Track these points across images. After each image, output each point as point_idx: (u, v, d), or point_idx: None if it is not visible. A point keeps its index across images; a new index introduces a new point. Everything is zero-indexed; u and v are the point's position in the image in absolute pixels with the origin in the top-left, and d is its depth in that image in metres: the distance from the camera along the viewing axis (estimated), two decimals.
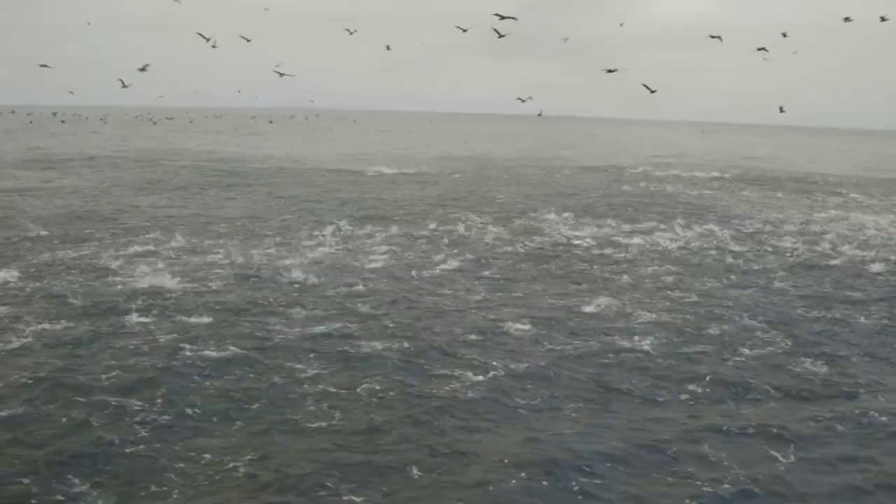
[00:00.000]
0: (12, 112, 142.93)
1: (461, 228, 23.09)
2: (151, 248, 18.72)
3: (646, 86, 25.44)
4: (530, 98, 35.90)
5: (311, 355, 11.14)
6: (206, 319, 12.68)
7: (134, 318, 12.65)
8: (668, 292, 15.74)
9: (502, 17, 24.68)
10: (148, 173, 38.17)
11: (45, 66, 37.50)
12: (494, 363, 11.04)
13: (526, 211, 27.22)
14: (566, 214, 26.32)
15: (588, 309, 14.21)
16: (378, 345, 11.63)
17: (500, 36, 24.40)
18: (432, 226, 23.32)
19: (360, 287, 15.31)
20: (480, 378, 10.47)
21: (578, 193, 33.61)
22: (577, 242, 21.36)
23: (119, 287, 14.71)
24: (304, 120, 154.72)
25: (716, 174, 45.96)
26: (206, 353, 11.06)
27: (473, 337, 12.32)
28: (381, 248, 19.58)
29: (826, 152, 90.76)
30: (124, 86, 41.14)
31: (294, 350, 11.39)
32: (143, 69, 35.96)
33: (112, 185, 32.33)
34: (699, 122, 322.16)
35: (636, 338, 12.47)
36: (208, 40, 28.26)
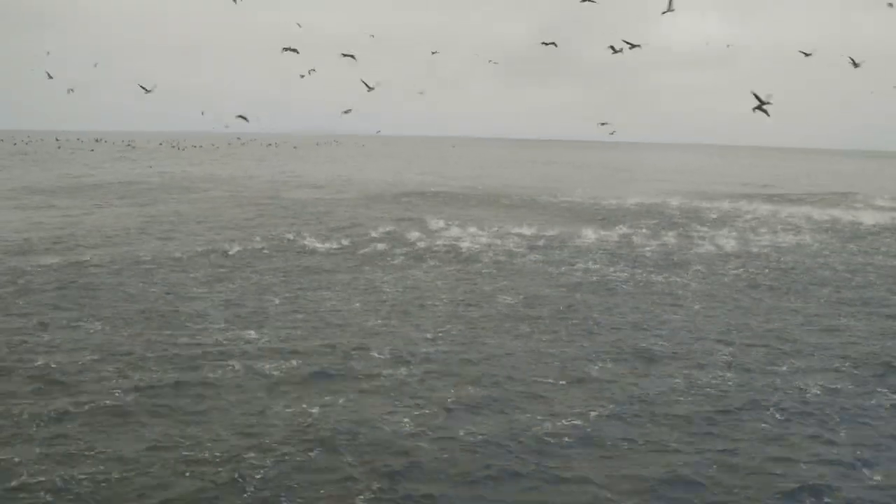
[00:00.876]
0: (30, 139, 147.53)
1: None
2: None
3: None
4: (607, 123, 39.20)
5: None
6: None
7: None
8: None
9: (546, 44, 26.83)
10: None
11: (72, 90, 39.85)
12: None
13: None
14: None
15: None
16: None
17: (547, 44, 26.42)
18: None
19: None
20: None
21: None
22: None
23: None
24: (333, 144, 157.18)
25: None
26: None
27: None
28: None
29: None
30: (147, 91, 44.02)
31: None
32: (149, 90, 38.94)
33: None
34: (711, 144, 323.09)
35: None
36: (303, 76, 29.41)
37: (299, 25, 31.59)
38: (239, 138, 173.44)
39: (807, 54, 26.15)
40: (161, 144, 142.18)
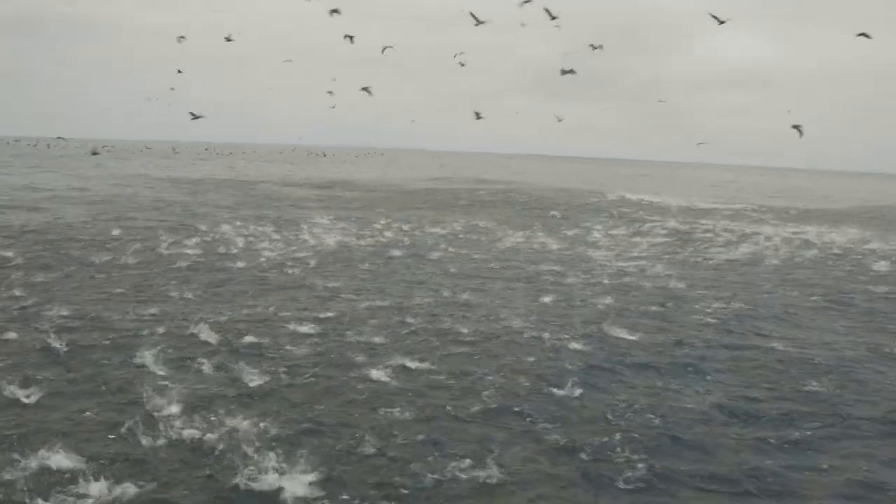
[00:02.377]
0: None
1: None
2: None
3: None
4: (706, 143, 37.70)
5: None
6: None
7: None
8: None
9: (564, 73, 25.37)
10: None
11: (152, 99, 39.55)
12: None
13: None
14: None
15: None
16: None
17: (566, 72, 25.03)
18: None
19: None
20: None
21: None
22: None
23: None
24: (380, 156, 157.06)
25: None
26: None
27: None
28: None
29: None
30: (195, 117, 43.59)
31: None
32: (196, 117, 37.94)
33: None
34: (749, 165, 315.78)
35: None
36: (367, 91, 28.63)
37: (351, 39, 29.93)
38: (296, 150, 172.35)
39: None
40: (205, 149, 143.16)
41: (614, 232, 31.10)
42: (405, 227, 28.87)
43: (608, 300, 15.88)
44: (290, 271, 18.22)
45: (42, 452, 7.29)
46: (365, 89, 24.77)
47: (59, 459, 7.23)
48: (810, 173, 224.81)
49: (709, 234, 31.53)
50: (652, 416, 9.19)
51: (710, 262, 23.19)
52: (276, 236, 24.60)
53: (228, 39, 30.05)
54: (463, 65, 31.27)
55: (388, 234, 26.76)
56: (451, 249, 23.37)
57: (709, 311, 15.32)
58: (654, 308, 15.43)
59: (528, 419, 8.98)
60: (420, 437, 8.27)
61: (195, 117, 28.35)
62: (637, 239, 28.93)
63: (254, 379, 9.81)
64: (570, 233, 29.96)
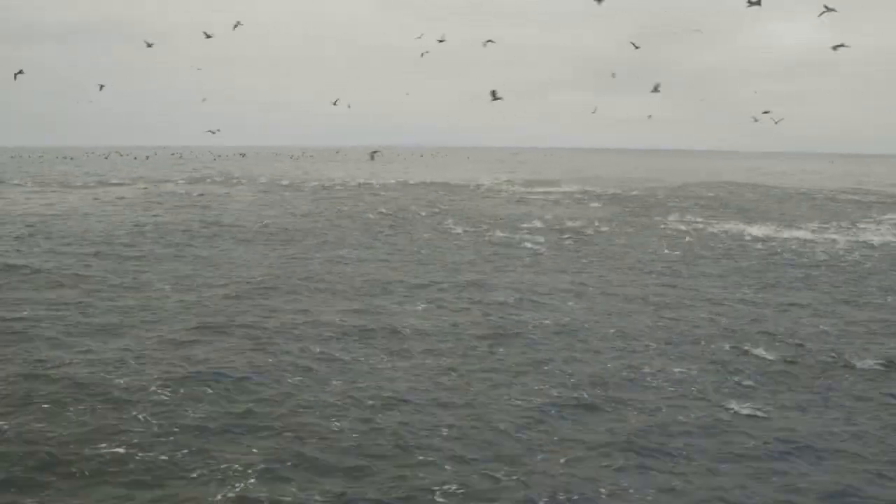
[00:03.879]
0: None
1: None
2: None
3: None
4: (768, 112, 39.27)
5: None
6: None
7: None
8: None
9: (656, 90, 26.74)
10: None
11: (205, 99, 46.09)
12: None
13: None
14: None
15: None
16: None
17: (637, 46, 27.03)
18: None
19: None
20: None
21: None
22: None
23: None
24: (430, 156, 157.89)
25: None
26: None
27: None
28: None
29: None
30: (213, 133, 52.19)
31: None
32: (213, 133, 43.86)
33: None
34: (812, 153, 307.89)
35: None
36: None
37: (428, 39, 31.97)
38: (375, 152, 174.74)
39: None
40: (276, 154, 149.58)
41: None
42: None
43: None
44: None
45: None
46: (493, 93, 23.52)
47: None
48: (879, 159, 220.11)
49: None
50: None
51: None
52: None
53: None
54: (491, 41, 30.05)
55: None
56: None
57: None
58: None
59: None
60: None
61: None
62: None
63: None
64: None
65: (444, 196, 47.72)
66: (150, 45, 30.03)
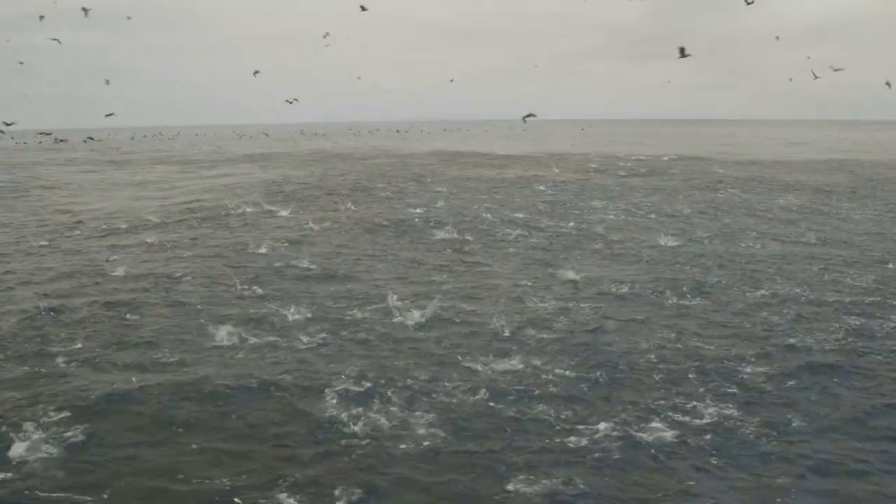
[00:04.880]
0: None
1: None
2: None
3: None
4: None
5: None
6: None
7: None
8: None
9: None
10: None
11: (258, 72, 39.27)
12: None
13: None
14: None
15: None
16: None
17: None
18: None
19: None
20: None
21: None
22: None
23: None
24: (465, 131, 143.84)
25: None
26: None
27: None
28: None
29: None
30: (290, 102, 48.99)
31: None
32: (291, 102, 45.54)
33: None
34: (835, 120, 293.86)
35: None
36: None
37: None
38: (398, 130, 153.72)
39: None
40: (301, 133, 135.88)
41: None
42: None
43: None
44: None
45: None
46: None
47: None
48: None
49: None
50: None
51: None
52: None
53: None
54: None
55: None
56: None
57: None
58: None
59: None
60: None
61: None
62: None
63: None
64: None
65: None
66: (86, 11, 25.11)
